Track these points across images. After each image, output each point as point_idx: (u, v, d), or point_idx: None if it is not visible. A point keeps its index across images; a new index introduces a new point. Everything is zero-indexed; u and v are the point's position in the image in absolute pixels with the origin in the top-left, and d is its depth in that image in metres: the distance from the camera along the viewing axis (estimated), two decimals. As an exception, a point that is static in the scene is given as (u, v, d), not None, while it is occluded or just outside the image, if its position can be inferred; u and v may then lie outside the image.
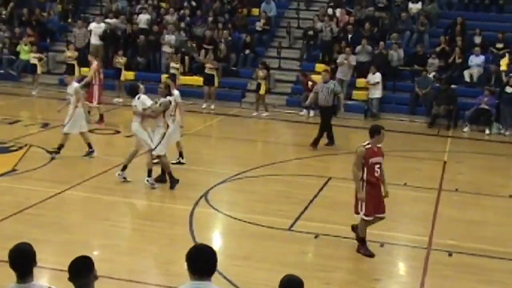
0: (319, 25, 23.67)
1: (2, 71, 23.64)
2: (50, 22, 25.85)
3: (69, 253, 9.47)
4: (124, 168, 12.92)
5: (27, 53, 23.37)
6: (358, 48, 22.26)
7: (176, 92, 13.37)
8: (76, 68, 22.17)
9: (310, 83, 20.13)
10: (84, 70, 21.40)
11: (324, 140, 16.61)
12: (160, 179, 12.77)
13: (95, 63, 19.06)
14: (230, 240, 10.69)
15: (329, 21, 23.64)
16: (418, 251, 10.10)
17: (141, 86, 13.38)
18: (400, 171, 14.83)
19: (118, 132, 17.82)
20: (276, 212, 11.54)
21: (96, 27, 23.74)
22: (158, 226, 10.83)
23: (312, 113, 20.69)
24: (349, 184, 13.48)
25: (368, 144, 9.36)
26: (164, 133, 12.48)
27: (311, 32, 23.58)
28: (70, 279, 4.74)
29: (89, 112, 16.98)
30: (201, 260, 4.73)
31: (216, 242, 10.51)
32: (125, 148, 15.73)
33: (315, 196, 12.59)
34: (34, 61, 22.89)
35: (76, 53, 22.53)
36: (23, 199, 11.61)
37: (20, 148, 14.95)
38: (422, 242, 10.33)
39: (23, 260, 4.97)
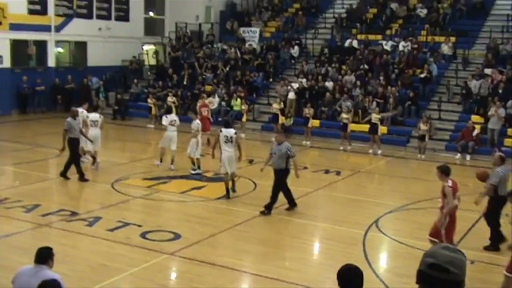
0: (473, 82, 22.61)
1: (220, 119, 24.83)
2: (255, 81, 26.88)
3: (265, 261, 9.78)
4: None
5: (238, 105, 24.46)
6: (509, 102, 20.93)
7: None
8: (280, 116, 22.92)
9: (475, 131, 19.89)
10: (282, 118, 22.31)
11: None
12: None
13: (199, 103, 21.12)
14: (397, 261, 10.32)
15: (483, 79, 22.51)
16: None
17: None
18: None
19: (305, 168, 18.01)
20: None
21: (292, 86, 24.37)
22: (337, 245, 10.74)
23: (468, 157, 19.72)
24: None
25: None
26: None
27: (464, 91, 22.57)
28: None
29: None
30: (352, 280, 4.39)
31: (384, 261, 10.24)
32: (311, 181, 15.96)
33: (471, 227, 11.86)
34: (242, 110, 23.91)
35: (282, 105, 23.24)
36: (233, 218, 12.08)
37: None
38: None
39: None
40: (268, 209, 12.38)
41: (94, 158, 16.12)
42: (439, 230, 9.37)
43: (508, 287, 8.25)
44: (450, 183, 9.24)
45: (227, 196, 13.55)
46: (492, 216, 10.69)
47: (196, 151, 15.88)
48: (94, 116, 15.99)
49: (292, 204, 12.72)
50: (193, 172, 15.91)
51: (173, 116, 16.76)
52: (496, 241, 10.67)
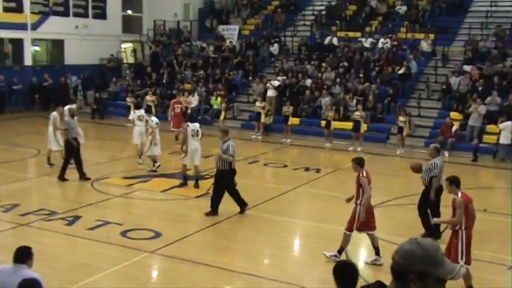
0: (453, 79, 22.97)
1: (199, 117, 24.80)
2: (235, 80, 26.96)
3: (247, 259, 9.91)
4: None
5: (218, 104, 24.52)
6: (488, 99, 21.29)
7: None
8: (263, 116, 22.95)
9: (454, 127, 20.24)
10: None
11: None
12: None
13: (172, 101, 22.07)
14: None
15: (463, 76, 22.87)
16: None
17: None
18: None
19: (285, 166, 18.18)
20: (412, 235, 11.19)
21: (272, 83, 24.45)
22: (318, 242, 10.89)
23: (446, 153, 20.02)
24: (487, 216, 12.86)
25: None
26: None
27: (444, 86, 22.93)
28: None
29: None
30: (348, 275, 4.62)
31: (364, 258, 10.40)
32: (291, 179, 16.12)
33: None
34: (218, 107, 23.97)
35: (264, 103, 23.31)
36: (213, 216, 12.13)
37: (212, 176, 15.55)
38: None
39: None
40: (241, 209, 12.36)
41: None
42: (353, 221, 9.75)
43: (468, 277, 8.49)
44: (365, 173, 9.72)
45: (184, 183, 14.41)
46: (426, 205, 11.15)
47: (155, 149, 15.94)
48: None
49: (214, 210, 12.16)
50: (148, 169, 16.00)
51: (141, 111, 17.22)
52: (432, 228, 10.91)
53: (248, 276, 9.15)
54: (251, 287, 8.91)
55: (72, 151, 14.57)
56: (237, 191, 12.38)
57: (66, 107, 17.26)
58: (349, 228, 9.79)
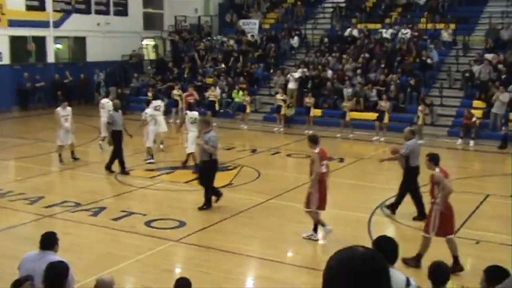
0: (474, 68, 22.54)
1: (221, 110, 24.71)
2: (256, 73, 26.78)
3: (271, 246, 9.76)
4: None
5: (239, 97, 24.38)
6: (511, 87, 20.85)
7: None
8: (283, 107, 22.68)
9: (474, 118, 19.83)
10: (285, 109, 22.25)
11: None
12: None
13: (185, 93, 22.05)
14: (402, 243, 10.19)
15: (484, 64, 22.42)
16: None
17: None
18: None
19: (308, 156, 17.93)
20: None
21: (293, 75, 24.21)
22: (343, 229, 10.70)
23: (472, 142, 19.66)
24: (507, 200, 12.60)
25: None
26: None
27: (467, 74, 22.51)
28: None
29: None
30: (388, 249, 4.58)
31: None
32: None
33: (476, 210, 11.84)
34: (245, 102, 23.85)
35: (286, 96, 23.08)
36: (237, 205, 12.05)
37: (235, 167, 15.51)
38: None
39: None
40: (216, 197, 11.89)
41: (72, 152, 16.01)
42: (310, 200, 9.80)
43: (427, 246, 8.80)
44: (317, 150, 9.78)
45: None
46: (408, 187, 11.36)
47: (149, 140, 15.99)
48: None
49: (207, 204, 11.76)
50: (147, 161, 15.91)
51: (158, 102, 17.70)
52: (423, 211, 11.00)
53: (273, 263, 9.01)
54: (276, 274, 8.77)
55: (117, 143, 14.60)
56: (210, 187, 11.91)
57: (103, 101, 17.71)
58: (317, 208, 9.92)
